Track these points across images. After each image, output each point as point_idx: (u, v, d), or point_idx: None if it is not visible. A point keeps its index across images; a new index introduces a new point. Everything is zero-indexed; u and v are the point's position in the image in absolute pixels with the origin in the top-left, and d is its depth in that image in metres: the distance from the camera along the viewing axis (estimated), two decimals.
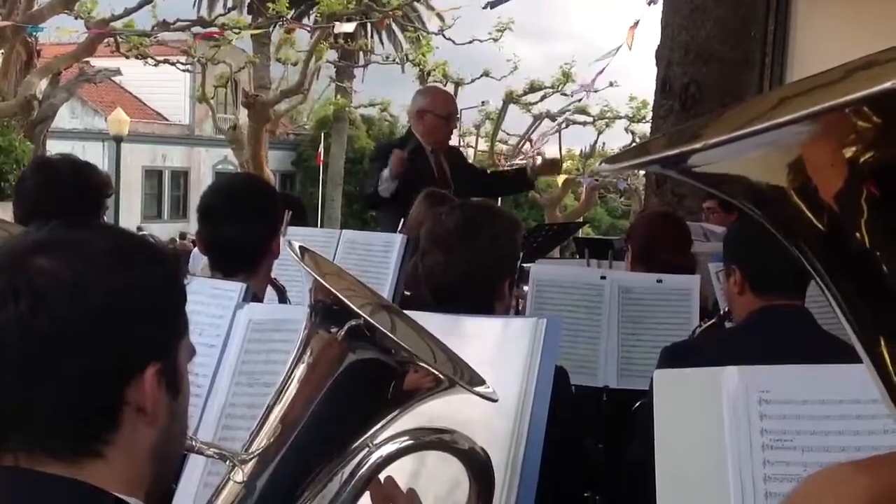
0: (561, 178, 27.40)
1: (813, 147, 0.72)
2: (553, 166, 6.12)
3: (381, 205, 5.32)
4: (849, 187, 0.73)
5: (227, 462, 1.44)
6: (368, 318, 1.38)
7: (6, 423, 1.13)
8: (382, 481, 1.51)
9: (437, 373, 1.40)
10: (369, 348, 1.39)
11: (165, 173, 33.41)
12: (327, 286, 1.39)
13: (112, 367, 1.13)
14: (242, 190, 2.83)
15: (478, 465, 1.52)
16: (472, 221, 2.60)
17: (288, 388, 1.44)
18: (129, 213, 27.42)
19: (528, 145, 30.01)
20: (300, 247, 1.52)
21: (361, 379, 1.42)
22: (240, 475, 1.42)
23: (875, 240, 0.73)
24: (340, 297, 1.38)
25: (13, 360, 1.10)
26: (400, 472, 1.60)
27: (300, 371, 1.43)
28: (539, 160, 5.94)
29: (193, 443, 1.42)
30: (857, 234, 0.73)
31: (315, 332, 1.42)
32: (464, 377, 1.47)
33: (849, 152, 0.72)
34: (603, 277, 3.56)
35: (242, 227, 2.68)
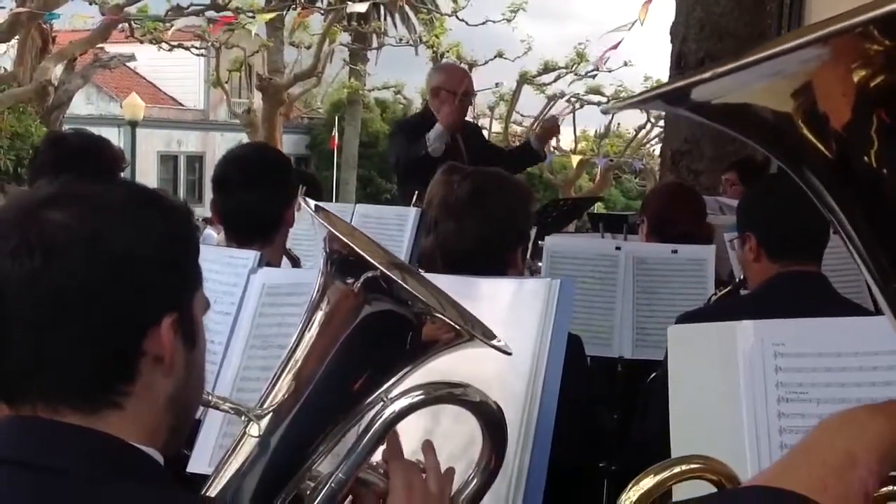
0: (575, 159, 27.35)
1: (822, 73, 0.72)
2: (552, 127, 6.11)
3: (426, 169, 5.24)
4: (858, 113, 0.72)
5: (243, 417, 1.45)
6: (384, 270, 1.38)
7: (24, 375, 1.13)
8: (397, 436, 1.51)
9: (453, 324, 1.40)
10: (385, 300, 1.39)
11: (181, 158, 33.51)
12: (343, 238, 1.40)
13: (128, 318, 1.14)
14: (255, 159, 2.84)
15: (490, 419, 1.52)
16: (484, 189, 2.59)
17: (303, 341, 1.45)
18: None
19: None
20: (316, 205, 1.52)
21: (377, 331, 1.42)
22: (255, 430, 1.43)
23: (885, 163, 0.73)
24: (356, 248, 1.38)
25: (28, 312, 1.10)
26: (415, 430, 1.61)
27: (315, 323, 1.43)
28: (538, 128, 5.93)
29: (210, 398, 1.43)
30: (866, 159, 0.73)
31: (331, 283, 1.42)
32: (477, 331, 1.47)
33: (858, 77, 0.71)
34: (618, 248, 3.56)
35: (256, 196, 2.69)
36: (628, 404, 3.50)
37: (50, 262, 1.09)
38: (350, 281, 1.41)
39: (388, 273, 1.39)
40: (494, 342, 1.48)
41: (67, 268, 1.09)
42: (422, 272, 1.66)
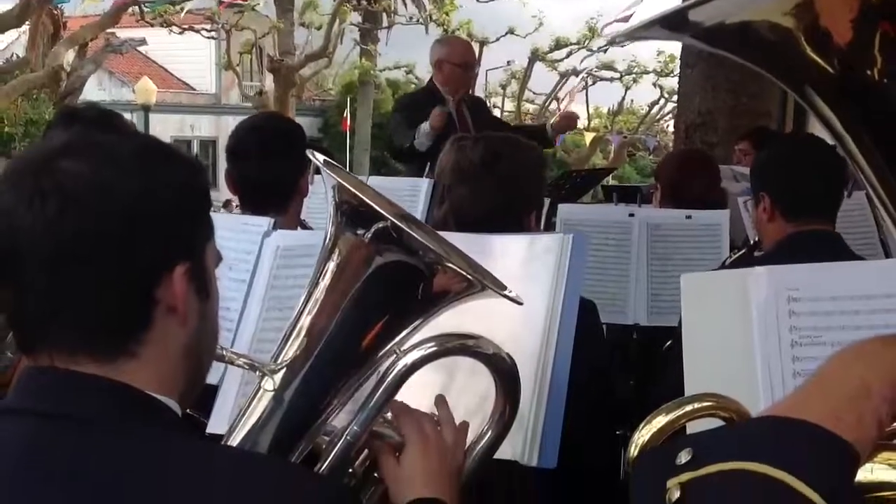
0: (589, 136, 27.23)
1: None
2: (569, 120, 6.12)
3: (409, 159, 5.31)
4: (861, 27, 0.72)
5: (257, 372, 1.46)
6: (395, 221, 1.38)
7: (40, 323, 1.14)
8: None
9: (465, 274, 1.40)
10: (396, 251, 1.39)
11: (194, 143, 33.53)
12: (352, 189, 1.40)
13: (141, 266, 1.14)
14: (268, 128, 2.84)
15: (503, 370, 1.52)
16: (496, 153, 2.59)
17: (314, 295, 1.45)
18: None
19: (554, 103, 29.80)
20: (324, 159, 1.52)
21: (389, 283, 1.42)
22: (270, 384, 1.44)
23: (889, 78, 0.72)
24: (366, 199, 1.39)
25: (43, 261, 1.11)
26: (430, 385, 1.61)
27: (327, 275, 1.44)
28: (557, 118, 5.95)
29: (224, 353, 1.44)
30: (870, 74, 0.72)
31: (342, 234, 1.42)
32: (489, 282, 1.47)
33: None
34: (631, 215, 3.55)
35: (270, 165, 2.70)
36: (643, 371, 3.50)
37: (64, 211, 1.10)
38: (360, 232, 1.41)
39: (399, 223, 1.39)
40: (506, 293, 1.48)
41: (81, 216, 1.10)
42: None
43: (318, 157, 1.51)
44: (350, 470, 1.52)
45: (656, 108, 31.45)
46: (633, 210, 3.60)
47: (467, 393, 1.66)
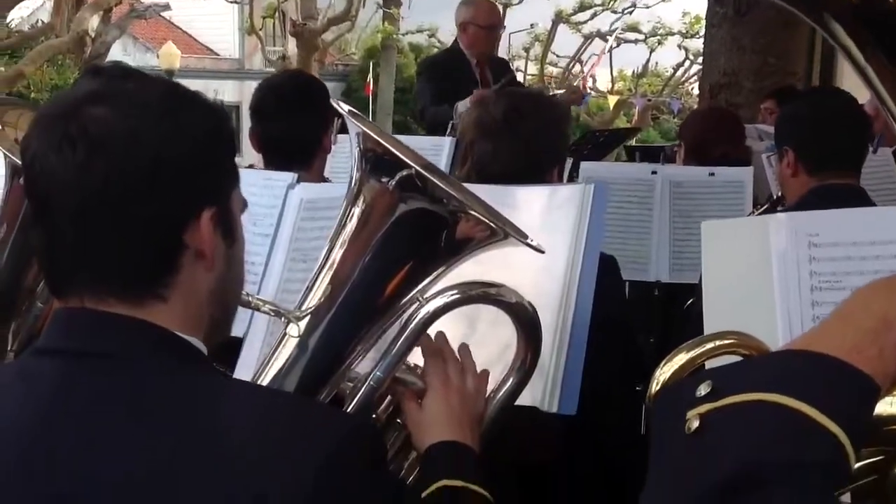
0: (612, 100, 27.02)
1: None
2: (575, 95, 6.12)
3: (436, 127, 5.30)
4: None
5: (283, 318, 1.48)
6: (419, 169, 1.40)
7: (71, 266, 1.17)
8: (433, 337, 1.54)
9: (487, 222, 1.42)
10: (420, 198, 1.41)
11: None
12: (377, 137, 1.41)
13: (168, 210, 1.16)
14: (291, 85, 2.86)
15: (525, 318, 1.54)
16: (519, 108, 2.58)
17: (338, 242, 1.47)
18: None
19: (577, 66, 29.55)
20: (349, 109, 1.53)
21: (412, 230, 1.43)
22: (295, 330, 1.46)
23: None
24: (390, 147, 1.40)
25: (72, 205, 1.13)
26: (451, 336, 1.63)
27: (352, 221, 1.45)
28: (562, 92, 5.95)
29: (250, 299, 1.46)
30: None
31: (366, 182, 1.44)
32: (510, 230, 1.48)
33: None
34: (654, 172, 3.54)
35: (293, 122, 2.72)
36: (665, 328, 3.51)
37: (92, 156, 1.12)
38: (385, 180, 1.43)
39: (423, 172, 1.40)
40: (528, 241, 1.49)
41: (108, 161, 1.12)
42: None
43: (343, 107, 1.52)
44: (374, 416, 1.55)
45: (681, 70, 31.11)
46: (656, 167, 3.59)
47: (488, 342, 1.68)
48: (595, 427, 2.36)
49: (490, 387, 1.59)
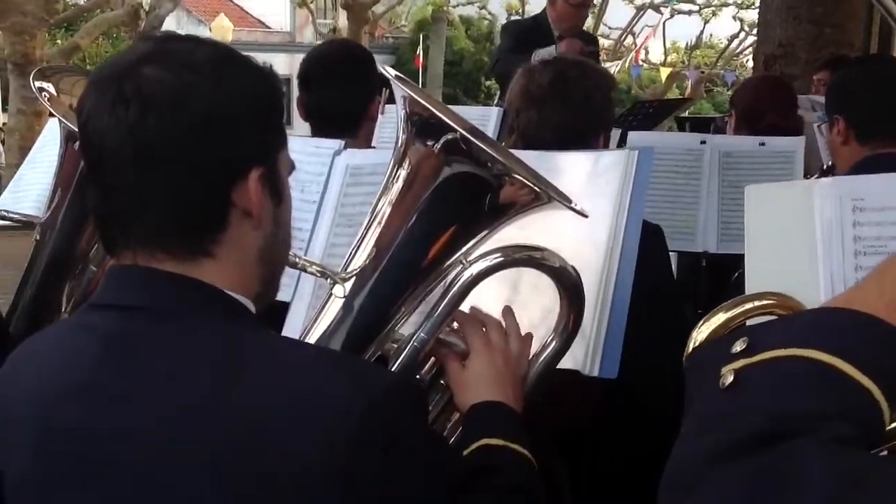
0: (665, 72, 26.68)
1: None
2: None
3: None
4: None
5: (328, 280, 1.51)
6: (464, 133, 1.41)
7: (123, 223, 1.20)
8: (475, 304, 1.56)
9: (532, 185, 1.43)
10: (465, 162, 1.42)
11: None
12: (422, 101, 1.43)
13: (217, 168, 1.19)
14: (338, 54, 2.88)
15: (568, 282, 1.55)
16: (565, 76, 2.58)
17: (384, 205, 1.49)
18: None
19: (630, 38, 29.19)
20: (395, 74, 1.55)
21: (457, 193, 1.44)
22: (340, 291, 1.49)
23: None
24: (436, 111, 1.41)
25: (125, 162, 1.17)
26: (494, 299, 1.65)
27: (397, 184, 1.47)
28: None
29: (298, 260, 1.49)
30: None
31: (411, 145, 1.46)
32: (554, 194, 1.49)
33: None
34: (703, 142, 3.50)
35: (340, 91, 2.74)
36: (712, 300, 3.49)
37: (144, 115, 1.15)
38: (430, 143, 1.44)
39: (468, 135, 1.41)
40: (572, 206, 1.50)
41: (160, 119, 1.15)
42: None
43: (390, 72, 1.54)
44: (418, 376, 1.58)
45: (736, 41, 30.59)
46: (706, 137, 3.56)
47: (531, 306, 1.69)
48: (640, 396, 2.37)
49: (533, 349, 1.60)
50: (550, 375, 1.64)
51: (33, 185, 2.77)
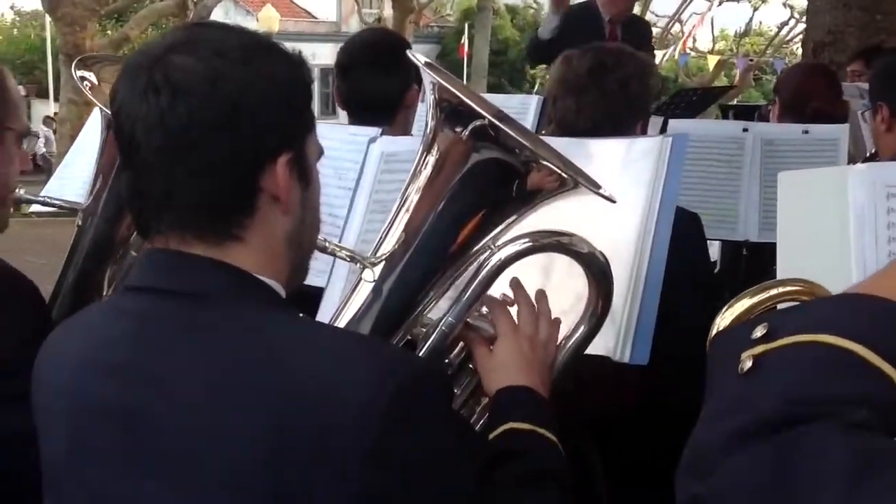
0: (713, 60, 26.35)
1: None
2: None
3: (545, 56, 5.17)
4: None
5: (358, 264, 1.53)
6: (492, 119, 1.41)
7: (155, 208, 1.23)
8: (509, 282, 1.57)
9: (559, 172, 1.43)
10: (493, 148, 1.42)
11: (314, 71, 33.87)
12: (451, 87, 1.43)
13: (245, 154, 1.21)
14: (374, 42, 2.88)
15: (596, 268, 1.55)
16: (603, 64, 2.57)
17: (412, 191, 1.50)
18: None
19: (677, 26, 28.87)
20: (425, 60, 1.56)
21: (485, 179, 1.45)
22: (370, 275, 1.50)
23: None
24: (464, 97, 1.42)
25: (156, 148, 1.19)
26: (527, 284, 1.64)
27: (426, 170, 1.48)
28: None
29: (328, 245, 1.51)
30: None
31: (440, 131, 1.46)
32: (583, 180, 1.49)
33: None
34: (745, 130, 3.46)
35: (376, 78, 2.75)
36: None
37: (174, 101, 1.17)
38: (458, 129, 1.45)
39: (496, 122, 1.42)
40: (602, 192, 1.50)
41: (189, 106, 1.17)
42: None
43: (419, 58, 1.55)
44: (446, 361, 1.59)
45: (785, 29, 30.11)
46: (748, 125, 3.51)
47: (562, 292, 1.69)
48: (672, 385, 2.36)
49: (562, 334, 1.60)
50: (583, 362, 1.65)
51: (78, 173, 2.82)
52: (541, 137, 1.63)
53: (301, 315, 1.28)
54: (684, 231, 2.42)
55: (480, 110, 1.42)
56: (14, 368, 1.35)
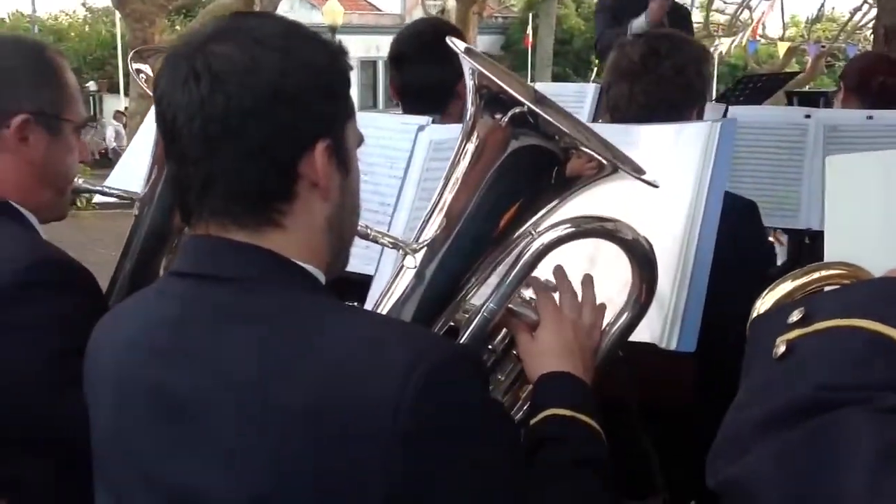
0: (783, 47, 25.82)
1: None
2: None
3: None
4: None
5: (400, 251, 1.53)
6: (531, 105, 1.41)
7: (197, 195, 1.25)
8: (553, 268, 1.56)
9: (600, 158, 1.42)
10: (532, 135, 1.42)
11: (379, 63, 34.18)
12: (489, 75, 1.43)
13: (284, 140, 1.22)
14: (427, 33, 2.88)
15: (640, 254, 1.54)
16: (657, 50, 2.54)
17: (453, 177, 1.50)
18: None
19: (746, 13, 28.32)
20: (466, 46, 1.55)
21: (525, 165, 1.45)
22: (411, 261, 1.51)
23: None
24: (503, 85, 1.41)
25: (196, 136, 1.21)
26: (572, 272, 1.64)
27: (466, 159, 1.48)
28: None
29: (370, 231, 1.52)
30: None
31: (480, 118, 1.46)
32: (628, 166, 1.47)
33: None
34: (807, 116, 3.38)
35: (430, 69, 2.75)
36: None
37: (214, 89, 1.19)
38: (497, 116, 1.45)
39: (535, 108, 1.41)
40: (643, 177, 1.48)
41: (228, 93, 1.19)
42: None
43: (459, 45, 1.55)
44: (490, 347, 1.59)
45: (859, 14, 29.31)
46: (810, 111, 3.43)
47: (608, 279, 1.68)
48: (730, 377, 2.32)
49: (607, 320, 1.59)
50: (640, 353, 1.64)
51: (138, 164, 2.88)
52: (583, 123, 1.62)
53: (339, 301, 1.29)
54: (739, 219, 2.39)
55: (519, 97, 1.41)
56: (76, 353, 1.39)
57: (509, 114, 1.43)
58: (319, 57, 1.27)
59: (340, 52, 1.32)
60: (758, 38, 28.24)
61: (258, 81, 1.20)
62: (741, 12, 29.02)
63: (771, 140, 3.41)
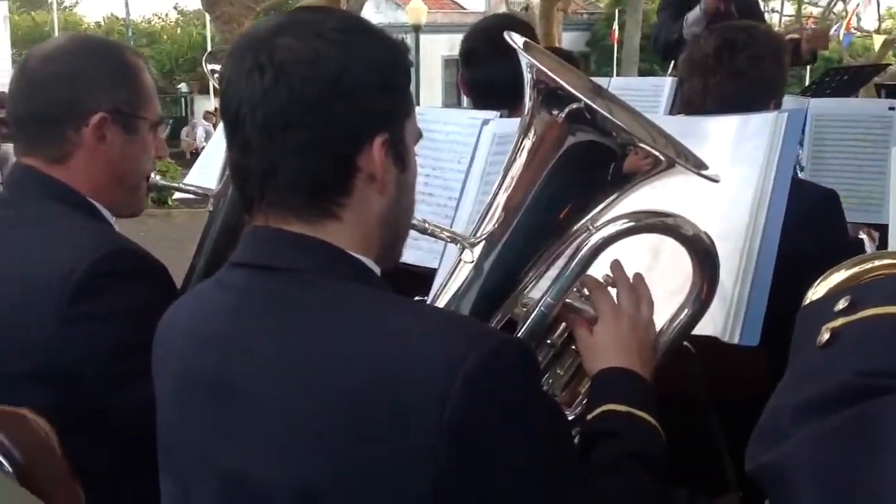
0: (879, 40, 25.00)
1: None
2: (821, 38, 5.62)
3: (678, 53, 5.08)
4: None
5: (458, 245, 1.55)
6: (589, 102, 1.40)
7: (257, 185, 1.27)
8: (610, 264, 1.55)
9: (657, 153, 1.41)
10: (589, 130, 1.41)
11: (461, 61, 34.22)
12: (546, 70, 1.43)
13: (343, 134, 1.24)
14: (498, 28, 2.88)
15: (701, 250, 1.52)
16: (732, 43, 2.49)
17: (511, 172, 1.51)
18: (430, 102, 28.50)
19: (840, 5, 27.51)
20: (525, 41, 1.56)
21: (582, 160, 1.44)
22: (469, 255, 1.52)
23: None
24: (560, 81, 1.41)
25: (259, 126, 1.24)
26: (633, 266, 1.62)
27: (523, 154, 1.49)
28: (807, 33, 5.48)
29: (427, 226, 1.53)
30: None
31: (537, 114, 1.46)
32: (688, 161, 1.46)
33: None
34: (892, 108, 3.28)
35: (500, 65, 2.75)
36: None
37: (277, 81, 1.22)
38: (555, 112, 1.45)
39: (592, 104, 1.40)
40: (704, 171, 1.46)
41: (291, 85, 1.21)
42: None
43: (516, 39, 1.55)
44: (549, 341, 1.59)
45: None
46: (894, 104, 3.33)
47: (671, 273, 1.66)
48: None
49: (667, 317, 1.58)
50: (716, 349, 1.62)
51: (217, 160, 2.95)
52: (645, 117, 1.60)
53: (392, 293, 1.31)
54: (818, 209, 2.32)
55: (575, 92, 1.41)
56: (145, 344, 1.43)
57: (566, 110, 1.43)
58: (380, 52, 1.29)
59: (402, 49, 1.34)
60: (853, 30, 27.42)
61: (320, 74, 1.22)
62: (835, 4, 28.22)
63: (855, 133, 3.32)
